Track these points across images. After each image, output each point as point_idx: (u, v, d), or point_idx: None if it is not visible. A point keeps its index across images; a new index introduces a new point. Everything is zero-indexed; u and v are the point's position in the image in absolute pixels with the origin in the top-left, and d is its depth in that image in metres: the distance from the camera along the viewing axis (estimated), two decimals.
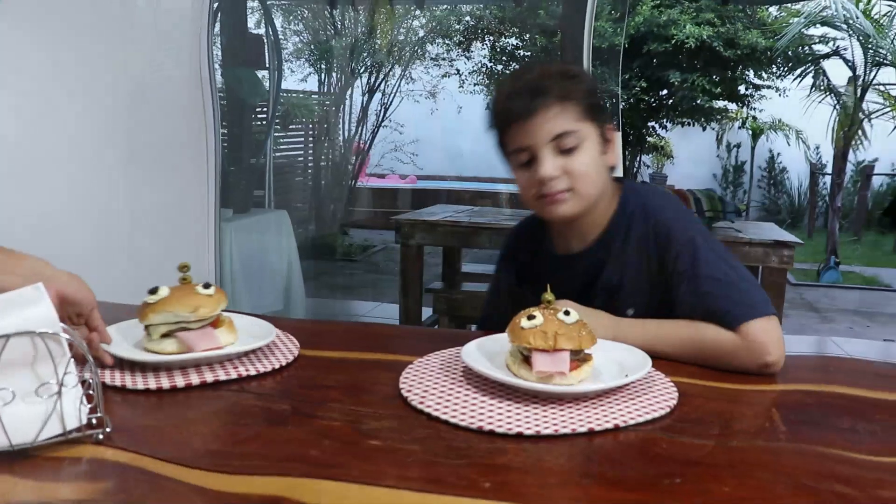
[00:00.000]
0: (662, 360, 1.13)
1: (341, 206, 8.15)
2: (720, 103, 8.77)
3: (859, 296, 6.76)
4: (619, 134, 1.31)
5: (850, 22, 7.39)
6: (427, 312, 3.88)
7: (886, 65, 7.60)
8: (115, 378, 1.05)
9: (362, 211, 8.57)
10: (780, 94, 8.91)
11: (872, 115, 8.09)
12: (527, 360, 1.02)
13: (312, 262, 6.41)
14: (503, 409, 0.96)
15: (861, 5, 7.57)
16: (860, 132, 8.05)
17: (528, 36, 8.75)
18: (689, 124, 9.09)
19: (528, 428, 0.90)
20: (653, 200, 1.35)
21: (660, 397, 1.01)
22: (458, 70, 8.98)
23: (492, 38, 8.72)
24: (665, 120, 8.91)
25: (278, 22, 7.45)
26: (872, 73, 7.58)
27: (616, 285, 1.34)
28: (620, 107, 6.19)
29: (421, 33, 8.74)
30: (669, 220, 1.31)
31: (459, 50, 8.81)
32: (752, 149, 10.78)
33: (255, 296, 4.08)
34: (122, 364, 1.09)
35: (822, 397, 1.07)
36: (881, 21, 7.62)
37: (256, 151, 5.33)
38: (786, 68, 8.57)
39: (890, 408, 1.04)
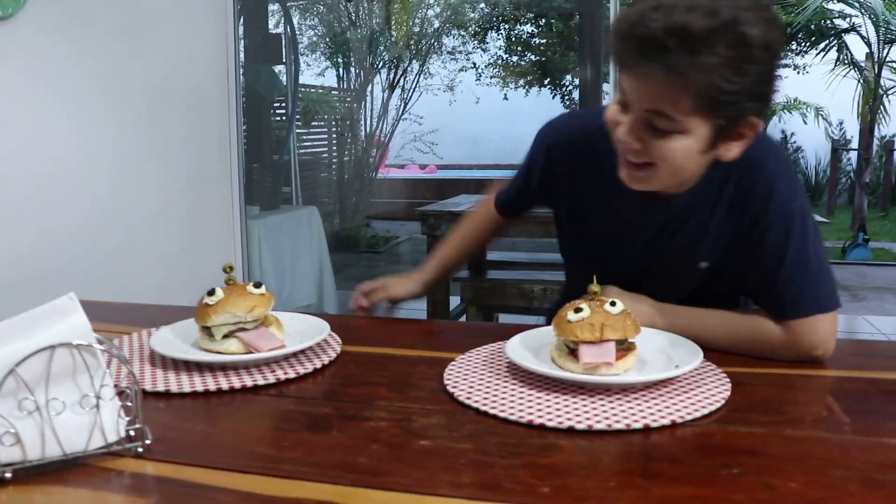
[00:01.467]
0: (706, 349, 1.09)
1: (363, 199, 8.16)
2: None
3: (890, 273, 6.59)
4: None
5: (861, 0, 7.28)
6: (455, 302, 3.85)
7: None
8: (159, 383, 1.02)
9: (384, 202, 8.57)
10: (798, 73, 8.73)
11: (889, 91, 7.93)
12: (573, 353, 0.99)
13: (338, 255, 6.43)
14: (551, 402, 0.93)
15: None
16: (882, 108, 7.89)
17: (543, 21, 8.72)
18: None
19: (580, 422, 0.87)
20: (760, 155, 1.13)
21: (714, 390, 0.97)
22: (474, 63, 8.97)
23: (507, 25, 8.67)
24: None
25: (295, 19, 7.44)
26: (885, 51, 7.45)
27: (699, 234, 1.18)
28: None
29: (436, 24, 8.71)
30: (774, 184, 1.13)
31: (475, 42, 8.81)
32: (764, 130, 10.61)
33: (288, 292, 4.09)
34: (177, 366, 1.08)
35: (879, 384, 1.02)
36: None
37: (279, 148, 5.33)
38: (808, 43, 8.38)
39: None
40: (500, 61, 8.97)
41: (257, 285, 1.13)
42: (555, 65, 9.11)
